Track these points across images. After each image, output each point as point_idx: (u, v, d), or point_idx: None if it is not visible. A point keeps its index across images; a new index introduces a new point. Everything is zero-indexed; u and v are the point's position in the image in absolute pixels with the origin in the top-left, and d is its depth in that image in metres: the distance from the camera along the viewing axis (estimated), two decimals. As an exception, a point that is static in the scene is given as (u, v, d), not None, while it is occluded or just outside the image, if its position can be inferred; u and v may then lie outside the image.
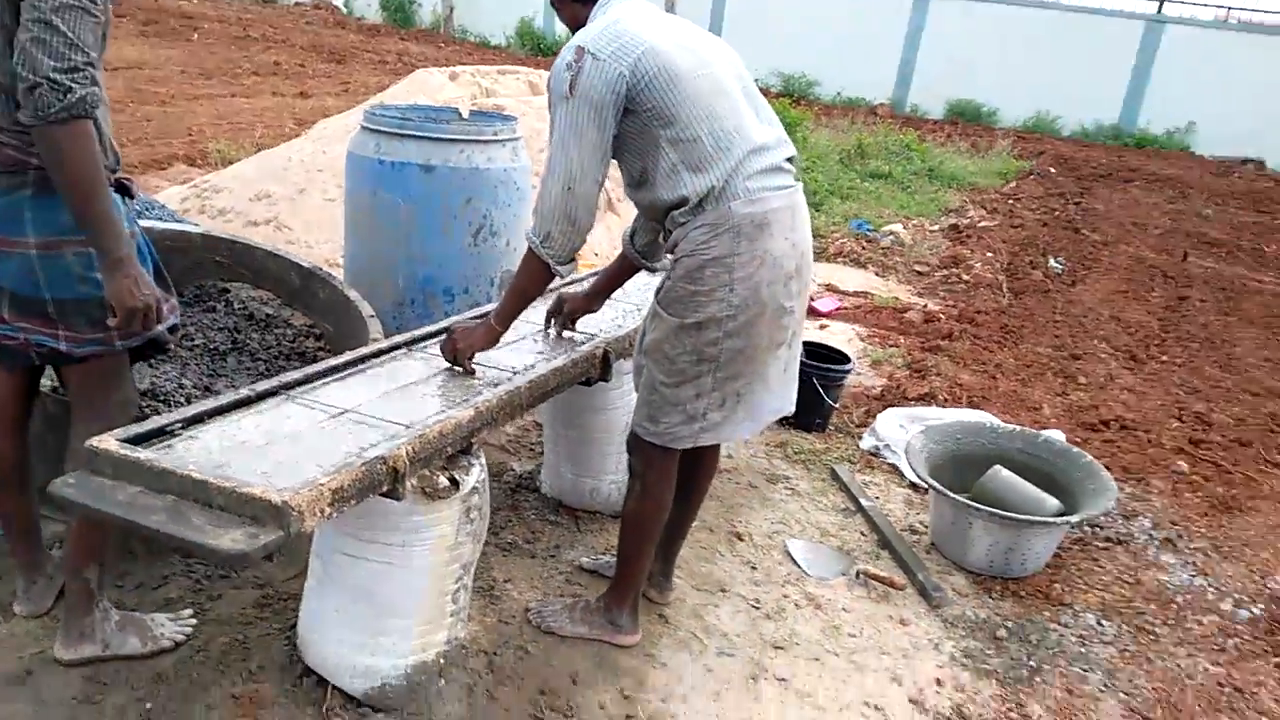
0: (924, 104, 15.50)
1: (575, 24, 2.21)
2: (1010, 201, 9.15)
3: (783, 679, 2.50)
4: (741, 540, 3.09)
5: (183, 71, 10.30)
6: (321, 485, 1.64)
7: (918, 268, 6.58)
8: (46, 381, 2.41)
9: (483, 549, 2.74)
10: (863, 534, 3.24)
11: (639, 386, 2.28)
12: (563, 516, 3.07)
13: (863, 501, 3.36)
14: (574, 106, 2.02)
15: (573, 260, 2.16)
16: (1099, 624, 2.93)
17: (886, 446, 3.77)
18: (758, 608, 2.77)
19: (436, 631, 2.20)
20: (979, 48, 14.97)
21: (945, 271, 6.49)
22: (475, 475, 2.10)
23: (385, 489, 1.81)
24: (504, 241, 3.49)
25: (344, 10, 17.30)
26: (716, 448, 2.55)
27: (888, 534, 3.18)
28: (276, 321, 3.25)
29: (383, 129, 3.36)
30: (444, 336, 2.33)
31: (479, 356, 2.34)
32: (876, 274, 6.42)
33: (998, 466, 3.17)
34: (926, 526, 3.29)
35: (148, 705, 2.10)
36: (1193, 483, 3.96)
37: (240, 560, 1.51)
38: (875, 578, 2.94)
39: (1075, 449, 3.30)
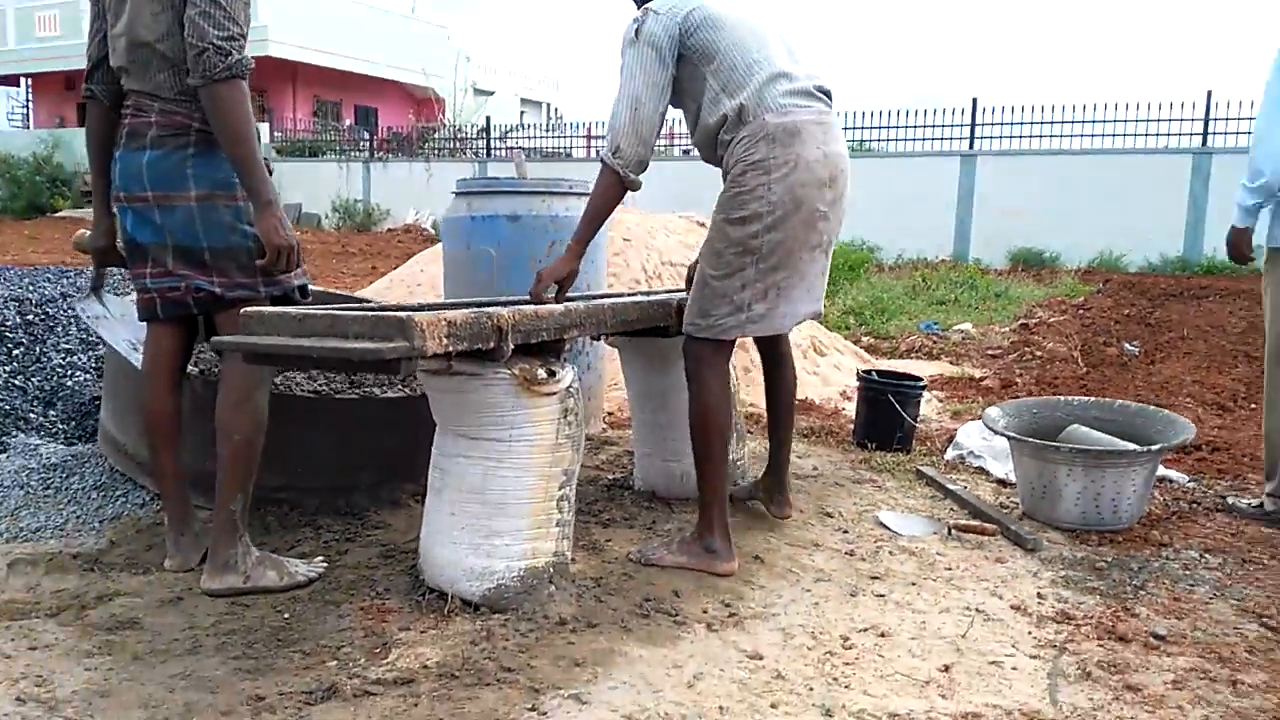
0: (985, 257, 15.85)
1: None
2: (1080, 311, 9.27)
3: (880, 595, 2.55)
4: (831, 517, 3.18)
5: (289, 275, 11.32)
6: (439, 315, 1.91)
7: (990, 353, 6.71)
8: (193, 368, 2.75)
9: (583, 524, 2.93)
10: (953, 509, 3.29)
11: (691, 294, 2.57)
12: (657, 504, 3.21)
13: (950, 487, 3.43)
14: (638, 48, 2.46)
15: (640, 173, 2.47)
16: (1202, 557, 2.91)
17: (970, 453, 3.85)
18: (852, 554, 2.84)
19: (545, 539, 2.36)
20: (1032, 198, 15.46)
21: (1018, 353, 6.60)
22: (569, 375, 2.33)
23: (491, 344, 2.06)
24: (585, 284, 3.81)
25: (431, 231, 18.84)
26: (789, 356, 2.84)
27: (978, 506, 3.24)
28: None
29: (473, 190, 3.81)
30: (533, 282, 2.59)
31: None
32: (950, 363, 6.55)
33: (1075, 425, 3.24)
34: (1016, 501, 3.33)
35: (285, 615, 2.28)
36: (1295, 479, 3.90)
37: (375, 356, 1.76)
38: (967, 529, 2.99)
39: (1152, 408, 3.35)
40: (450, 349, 1.93)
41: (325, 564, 2.55)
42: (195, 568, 2.52)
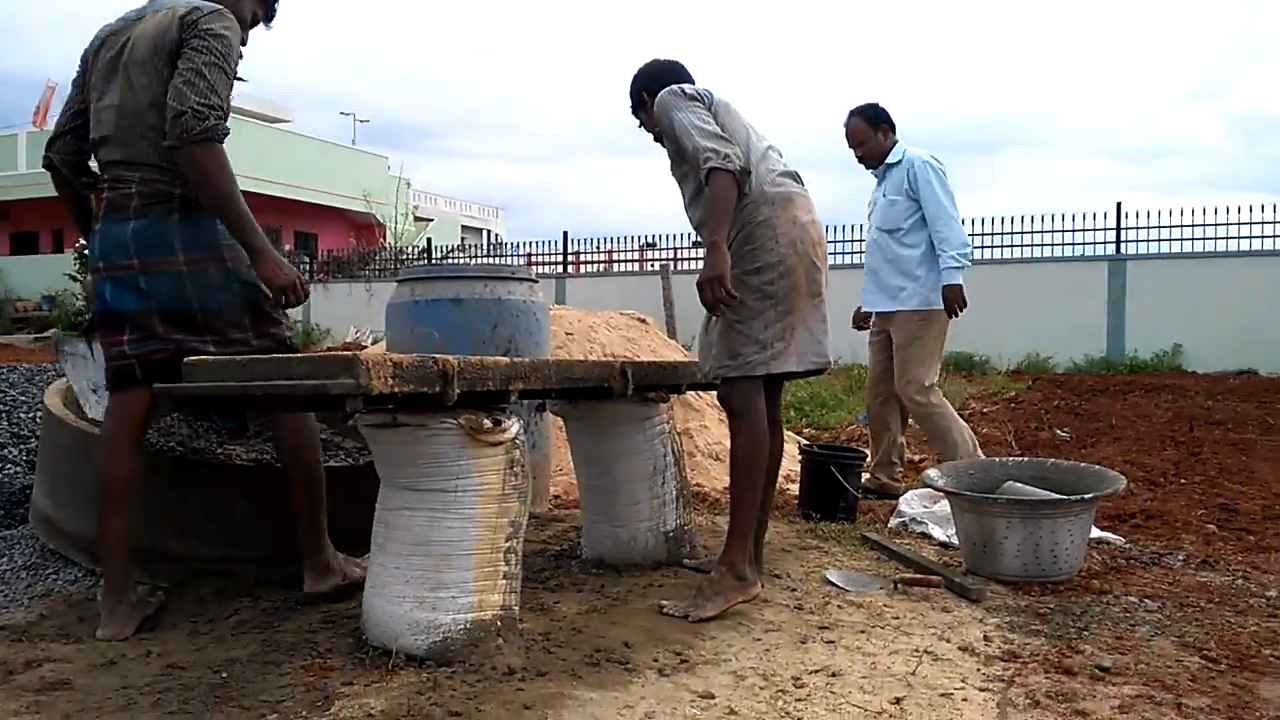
0: (919, 361, 16.27)
1: None
2: (1012, 404, 9.53)
3: (830, 641, 2.56)
4: (779, 578, 3.18)
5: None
6: (386, 357, 1.94)
7: (925, 440, 6.84)
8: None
9: (530, 590, 2.91)
10: (898, 568, 3.32)
11: (711, 343, 2.80)
12: (605, 570, 3.19)
13: (894, 548, 3.47)
14: (683, 100, 2.81)
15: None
16: (1141, 602, 2.97)
17: (913, 520, 3.90)
18: (800, 608, 2.85)
19: (492, 592, 2.33)
20: (960, 305, 16.01)
21: (955, 439, 6.75)
22: (515, 427, 2.36)
23: (437, 388, 2.08)
24: (529, 363, 3.87)
25: (372, 347, 18.85)
26: (780, 424, 3.00)
27: (923, 563, 3.28)
28: (329, 445, 3.57)
29: (416, 276, 3.88)
30: (699, 292, 2.65)
31: None
32: (890, 450, 6.67)
33: (1010, 481, 3.33)
34: (960, 560, 3.38)
35: (223, 675, 2.21)
36: (1224, 538, 4.02)
37: (321, 392, 1.78)
38: (913, 582, 3.03)
39: (1083, 464, 3.46)
40: (396, 389, 1.95)
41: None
42: (129, 638, 2.44)
